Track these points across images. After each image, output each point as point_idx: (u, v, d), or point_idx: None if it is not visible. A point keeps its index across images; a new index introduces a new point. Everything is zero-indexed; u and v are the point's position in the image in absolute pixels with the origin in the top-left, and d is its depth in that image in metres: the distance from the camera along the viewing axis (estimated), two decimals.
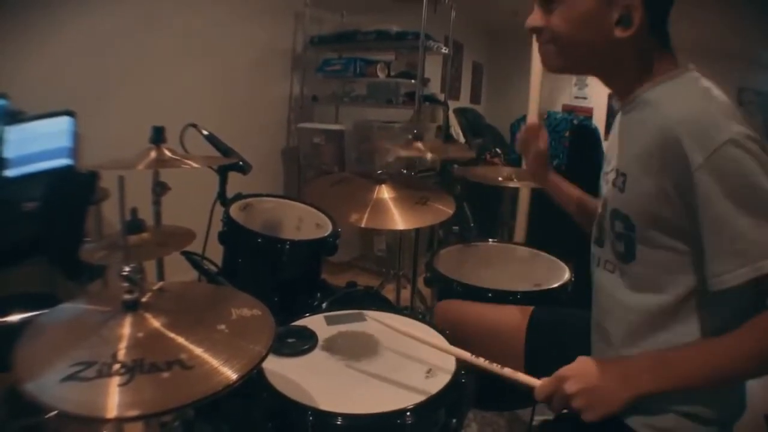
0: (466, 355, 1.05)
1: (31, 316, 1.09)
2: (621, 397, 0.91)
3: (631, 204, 0.98)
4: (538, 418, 1.55)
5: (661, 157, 0.90)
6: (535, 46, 1.08)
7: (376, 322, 1.30)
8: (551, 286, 1.63)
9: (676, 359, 0.91)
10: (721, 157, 0.83)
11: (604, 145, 4.64)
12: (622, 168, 1.01)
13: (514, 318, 1.36)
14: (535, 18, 1.02)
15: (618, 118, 1.10)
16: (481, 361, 1.03)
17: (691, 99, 0.91)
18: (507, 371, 1.00)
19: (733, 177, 0.83)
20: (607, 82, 1.07)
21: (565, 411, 0.95)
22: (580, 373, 0.94)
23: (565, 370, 0.96)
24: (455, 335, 1.22)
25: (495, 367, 1.01)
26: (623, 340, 1.04)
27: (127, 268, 0.85)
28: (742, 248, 0.83)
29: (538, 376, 0.98)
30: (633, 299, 1.02)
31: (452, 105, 4.55)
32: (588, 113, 5.09)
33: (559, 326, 1.33)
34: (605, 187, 1.09)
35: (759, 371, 0.87)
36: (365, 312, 1.35)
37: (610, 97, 1.29)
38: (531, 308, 1.38)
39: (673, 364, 0.90)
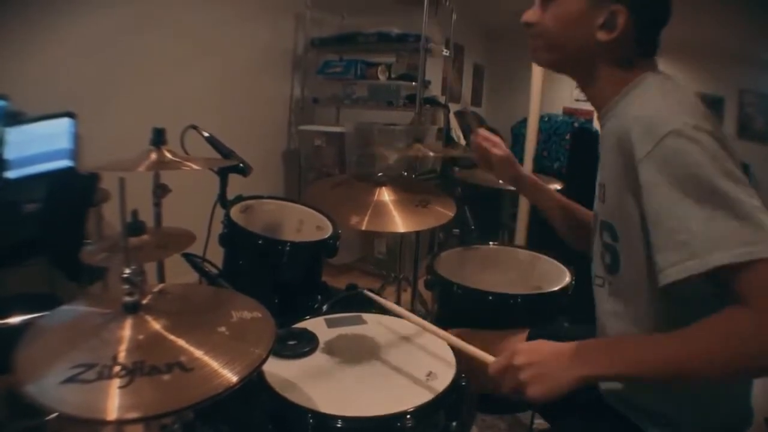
0: (432, 327, 1.13)
1: (32, 317, 1.09)
2: (569, 374, 0.88)
3: (612, 212, 1.00)
4: (538, 422, 1.55)
5: (620, 156, 0.93)
6: None
7: (375, 324, 1.30)
8: (552, 290, 1.63)
9: (631, 344, 0.90)
10: (663, 147, 0.83)
11: None
12: (602, 179, 1.04)
13: (511, 343, 1.35)
14: (532, 14, 1.08)
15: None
16: (444, 334, 1.11)
17: (647, 99, 0.94)
18: (468, 347, 1.05)
19: (675, 167, 0.82)
20: (587, 88, 1.09)
21: (514, 394, 0.95)
22: (531, 348, 0.95)
23: (517, 345, 0.96)
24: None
25: (456, 341, 1.08)
26: None
27: (127, 270, 0.84)
28: (685, 239, 0.80)
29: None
30: (621, 311, 1.03)
31: (453, 107, 4.55)
32: (589, 116, 5.08)
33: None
34: (596, 202, 1.11)
35: (709, 372, 0.80)
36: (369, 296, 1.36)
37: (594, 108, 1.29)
38: (527, 331, 1.37)
39: (627, 348, 0.88)
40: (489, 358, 1.00)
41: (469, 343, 1.31)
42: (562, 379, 0.88)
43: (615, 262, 1.02)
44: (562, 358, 0.91)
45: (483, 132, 1.45)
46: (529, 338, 1.34)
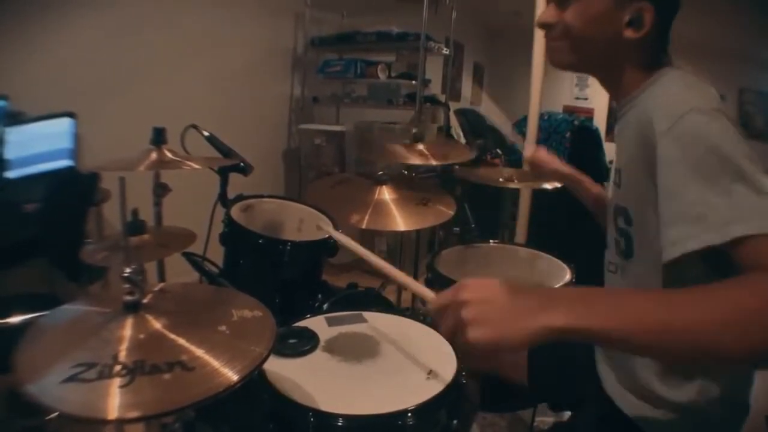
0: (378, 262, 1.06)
1: (32, 317, 1.09)
2: (531, 321, 0.71)
3: (627, 196, 1.00)
4: (539, 420, 1.55)
5: (639, 137, 0.92)
6: (536, 46, 1.10)
7: (376, 323, 1.30)
8: (552, 287, 1.63)
9: (612, 296, 0.77)
10: (683, 123, 0.82)
11: (605, 145, 4.65)
12: (619, 165, 1.03)
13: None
14: (549, 14, 1.03)
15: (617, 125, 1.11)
16: (381, 263, 1.04)
17: (670, 88, 0.93)
18: (407, 279, 0.99)
19: (694, 141, 0.81)
20: (608, 82, 1.09)
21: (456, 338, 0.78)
22: (484, 284, 0.78)
23: (469, 279, 0.80)
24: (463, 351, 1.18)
25: (395, 272, 1.01)
26: None
27: (128, 270, 0.84)
28: (702, 212, 0.77)
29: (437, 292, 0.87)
30: None
31: (453, 106, 4.55)
32: (589, 114, 5.08)
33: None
34: (611, 188, 1.10)
35: (721, 340, 0.67)
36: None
37: (611, 98, 1.28)
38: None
39: (604, 301, 0.74)
40: (431, 294, 0.88)
41: None
42: (511, 327, 0.72)
43: (629, 246, 1.01)
44: (526, 300, 0.75)
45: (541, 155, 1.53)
46: None
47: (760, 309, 0.66)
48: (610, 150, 1.16)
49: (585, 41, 1.01)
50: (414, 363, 1.13)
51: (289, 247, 1.67)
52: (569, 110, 5.20)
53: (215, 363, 0.77)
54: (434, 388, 1.03)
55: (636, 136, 0.94)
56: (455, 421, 1.04)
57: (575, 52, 1.04)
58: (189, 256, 1.56)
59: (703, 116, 0.82)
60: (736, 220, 0.75)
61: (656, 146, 0.85)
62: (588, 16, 0.99)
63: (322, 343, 1.21)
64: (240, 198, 1.78)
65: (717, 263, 0.78)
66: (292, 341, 1.19)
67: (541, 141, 4.31)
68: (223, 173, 1.69)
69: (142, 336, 0.81)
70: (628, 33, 0.96)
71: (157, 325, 0.83)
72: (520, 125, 4.44)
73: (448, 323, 0.78)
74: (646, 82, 0.99)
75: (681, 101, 0.86)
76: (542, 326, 0.71)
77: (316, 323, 1.29)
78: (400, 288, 2.74)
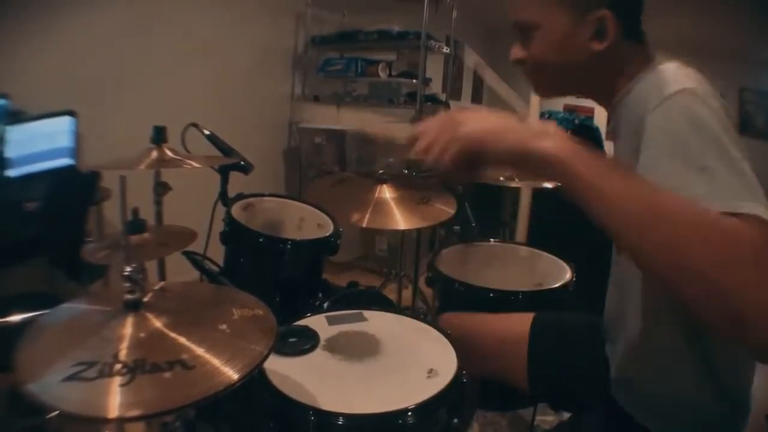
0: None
1: (33, 316, 1.09)
2: (516, 136, 0.79)
3: None
4: (539, 419, 1.55)
5: (633, 126, 0.88)
6: None
7: (376, 322, 1.30)
8: (553, 286, 1.63)
9: (599, 157, 0.76)
10: (673, 100, 0.80)
11: (605, 144, 4.64)
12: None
13: (515, 326, 1.34)
14: (517, 52, 1.04)
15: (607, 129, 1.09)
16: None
17: (663, 72, 0.90)
18: (386, 130, 0.98)
19: (682, 118, 0.78)
20: (598, 96, 1.07)
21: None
22: (482, 109, 0.88)
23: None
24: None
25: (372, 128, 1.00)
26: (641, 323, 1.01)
27: (128, 268, 0.84)
28: (677, 186, 0.73)
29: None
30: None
31: (454, 105, 4.54)
32: (589, 113, 5.05)
33: (561, 330, 1.33)
34: None
35: (662, 251, 0.67)
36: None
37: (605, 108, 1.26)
38: (532, 315, 1.36)
39: (589, 155, 0.76)
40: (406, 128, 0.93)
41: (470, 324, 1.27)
42: (512, 137, 0.79)
43: None
44: (525, 125, 0.81)
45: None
46: (535, 323, 1.33)
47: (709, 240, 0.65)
48: (610, 149, 1.15)
49: (559, 68, 1.01)
50: (414, 362, 1.13)
51: (289, 246, 1.67)
52: (570, 109, 5.18)
53: (216, 362, 0.77)
54: (435, 387, 1.03)
55: (630, 124, 0.91)
56: (456, 420, 1.04)
57: (555, 81, 1.05)
58: (189, 255, 1.55)
59: (694, 97, 0.79)
60: (712, 198, 0.71)
61: (645, 121, 0.82)
62: (552, 43, 0.98)
63: (322, 341, 1.21)
64: (240, 197, 1.78)
65: None
66: (292, 340, 1.19)
67: None
68: (224, 172, 1.69)
69: (142, 335, 0.81)
70: (595, 46, 0.95)
71: (157, 323, 0.84)
72: None
73: (433, 137, 0.83)
74: (632, 81, 0.97)
75: (673, 80, 0.84)
76: (533, 147, 0.77)
77: (316, 322, 1.29)
78: (401, 286, 2.75)
